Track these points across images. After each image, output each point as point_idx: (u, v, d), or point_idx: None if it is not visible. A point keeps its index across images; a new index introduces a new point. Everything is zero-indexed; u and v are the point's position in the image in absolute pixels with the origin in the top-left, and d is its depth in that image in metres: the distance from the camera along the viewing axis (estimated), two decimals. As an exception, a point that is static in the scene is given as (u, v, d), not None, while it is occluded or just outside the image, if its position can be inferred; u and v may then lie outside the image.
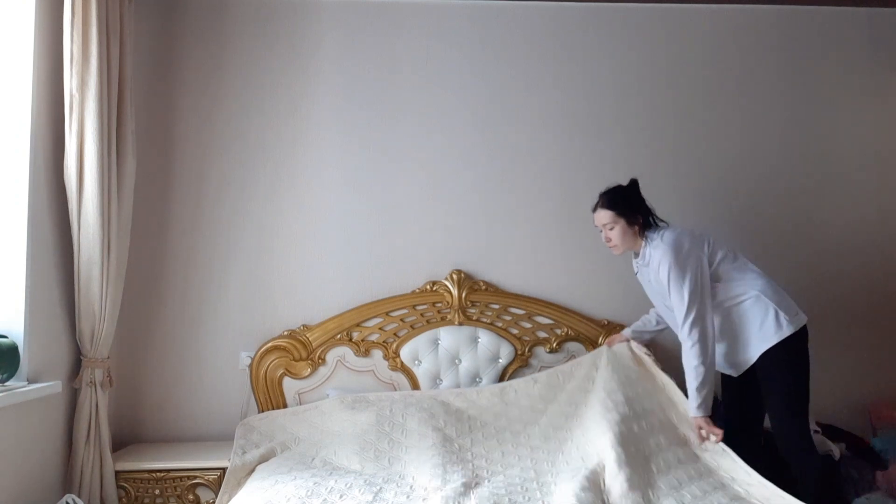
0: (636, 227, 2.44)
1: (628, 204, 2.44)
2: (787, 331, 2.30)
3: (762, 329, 2.32)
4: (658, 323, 2.66)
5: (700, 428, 2.28)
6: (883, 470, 2.65)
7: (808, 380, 2.32)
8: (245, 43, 3.04)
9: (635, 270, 2.58)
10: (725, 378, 2.53)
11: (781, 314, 2.31)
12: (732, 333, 2.39)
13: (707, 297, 2.32)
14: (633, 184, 2.50)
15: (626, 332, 2.72)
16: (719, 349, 2.41)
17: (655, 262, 2.37)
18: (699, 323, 2.28)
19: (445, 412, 2.57)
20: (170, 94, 3.00)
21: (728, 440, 2.38)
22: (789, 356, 2.31)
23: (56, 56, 2.37)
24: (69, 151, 2.36)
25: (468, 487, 2.00)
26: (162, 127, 2.99)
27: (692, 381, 2.28)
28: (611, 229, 2.45)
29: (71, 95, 2.34)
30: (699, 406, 2.27)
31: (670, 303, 2.39)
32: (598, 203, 2.49)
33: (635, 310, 3.05)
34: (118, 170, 2.54)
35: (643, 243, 2.45)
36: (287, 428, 2.59)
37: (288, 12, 3.07)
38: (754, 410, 2.47)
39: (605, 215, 2.45)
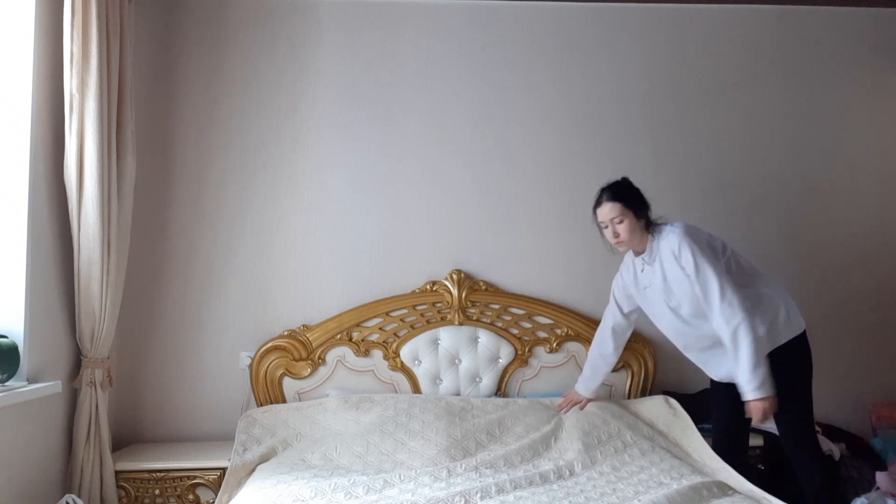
0: (643, 222, 2.36)
1: (635, 197, 2.38)
2: (795, 330, 2.27)
3: (771, 329, 2.26)
4: (612, 359, 2.61)
5: (764, 410, 2.14)
6: (883, 470, 2.66)
7: (812, 382, 2.30)
8: (245, 43, 3.04)
9: (639, 269, 2.44)
10: (715, 386, 2.47)
11: (791, 313, 2.28)
12: None
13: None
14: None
15: (584, 391, 2.65)
16: (724, 354, 2.32)
17: (673, 249, 2.26)
18: (739, 297, 2.16)
19: (450, 415, 2.57)
20: (170, 94, 3.00)
21: (715, 446, 2.44)
22: (796, 356, 2.27)
23: (56, 56, 2.37)
24: (69, 151, 2.36)
25: (473, 491, 2.00)
26: (162, 127, 2.98)
27: (746, 362, 2.12)
28: (619, 223, 2.34)
29: (71, 95, 2.34)
30: (760, 387, 2.12)
31: (675, 302, 2.32)
32: (602, 197, 2.39)
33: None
34: (118, 170, 2.54)
35: (649, 239, 2.37)
36: (290, 423, 2.59)
37: (288, 12, 3.07)
38: (744, 416, 2.43)
39: (613, 208, 2.34)
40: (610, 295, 2.62)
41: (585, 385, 2.67)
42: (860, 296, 3.17)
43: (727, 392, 2.39)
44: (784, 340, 2.25)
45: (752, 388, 2.13)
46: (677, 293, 2.31)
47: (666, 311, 2.39)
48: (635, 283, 2.48)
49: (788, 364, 2.26)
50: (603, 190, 2.41)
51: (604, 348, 2.62)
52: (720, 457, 2.38)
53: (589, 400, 2.67)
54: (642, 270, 2.43)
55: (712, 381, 2.48)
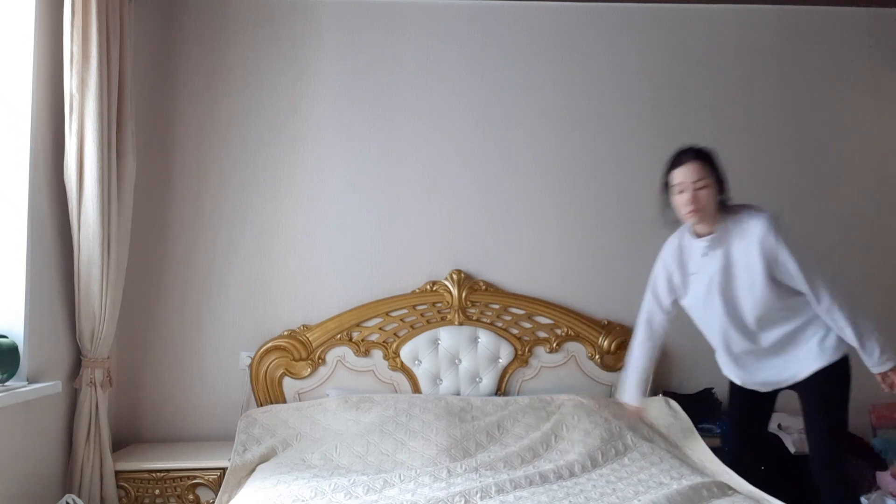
0: (719, 198, 2.10)
1: (720, 167, 2.11)
2: (846, 347, 2.11)
3: (823, 343, 2.10)
4: (652, 360, 2.38)
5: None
6: (883, 470, 2.66)
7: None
8: (245, 43, 3.04)
9: (697, 252, 2.16)
10: (736, 388, 2.31)
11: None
12: (789, 341, 2.14)
13: None
14: None
15: (635, 398, 2.38)
16: (768, 361, 2.18)
17: (763, 236, 2.03)
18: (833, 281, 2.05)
19: (450, 415, 2.57)
20: (170, 94, 3.00)
21: (730, 446, 2.36)
22: (842, 378, 2.12)
23: (56, 56, 2.37)
24: (69, 151, 2.36)
25: (473, 491, 2.00)
26: (162, 127, 2.98)
27: (870, 334, 2.02)
28: (702, 188, 2.05)
29: (71, 95, 2.34)
30: (890, 357, 2.03)
31: (732, 293, 2.11)
32: (684, 156, 2.10)
33: (634, 310, 3.05)
34: (118, 170, 2.54)
35: (721, 218, 2.11)
36: (290, 423, 2.59)
37: (288, 12, 3.07)
38: (762, 426, 2.34)
39: (699, 170, 2.06)
40: (647, 289, 2.34)
41: (631, 394, 2.39)
42: (859, 296, 3.16)
43: (750, 397, 2.28)
44: (835, 358, 2.11)
45: (885, 358, 2.04)
46: (740, 282, 2.11)
47: (716, 301, 2.15)
48: (681, 267, 2.24)
49: (834, 383, 2.13)
50: (685, 150, 2.13)
51: (643, 350, 2.35)
52: (731, 458, 2.29)
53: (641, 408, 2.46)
54: (704, 254, 2.16)
55: (734, 384, 2.32)
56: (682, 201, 2.09)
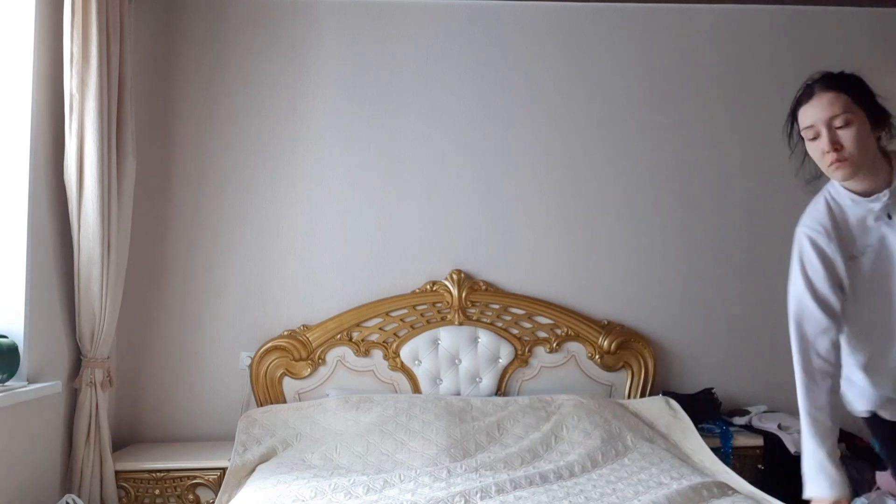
0: (878, 136, 1.51)
1: (869, 95, 1.54)
2: None
3: None
4: (834, 405, 1.58)
5: None
6: (883, 470, 2.66)
7: None
8: (245, 43, 3.04)
9: (875, 212, 1.54)
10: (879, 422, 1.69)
11: None
12: None
13: None
14: None
15: (836, 492, 1.50)
16: None
17: None
18: None
19: (450, 415, 2.57)
20: (170, 94, 3.00)
21: None
22: None
23: (56, 56, 2.37)
24: (69, 151, 2.36)
25: (473, 491, 2.00)
26: (162, 127, 2.98)
27: None
28: (843, 126, 1.49)
29: (71, 95, 2.34)
30: None
31: None
32: (813, 88, 1.59)
33: (634, 310, 3.07)
34: (118, 170, 2.55)
35: (892, 168, 1.52)
36: (290, 423, 2.59)
37: (288, 12, 3.07)
38: None
39: (834, 102, 1.50)
40: (798, 305, 1.66)
41: (831, 482, 1.50)
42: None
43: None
44: None
45: None
46: None
47: (887, 291, 1.55)
48: (840, 247, 1.60)
49: None
50: (815, 80, 1.60)
51: (819, 396, 1.55)
52: None
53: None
54: (888, 217, 1.52)
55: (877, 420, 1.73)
56: (818, 149, 1.54)
